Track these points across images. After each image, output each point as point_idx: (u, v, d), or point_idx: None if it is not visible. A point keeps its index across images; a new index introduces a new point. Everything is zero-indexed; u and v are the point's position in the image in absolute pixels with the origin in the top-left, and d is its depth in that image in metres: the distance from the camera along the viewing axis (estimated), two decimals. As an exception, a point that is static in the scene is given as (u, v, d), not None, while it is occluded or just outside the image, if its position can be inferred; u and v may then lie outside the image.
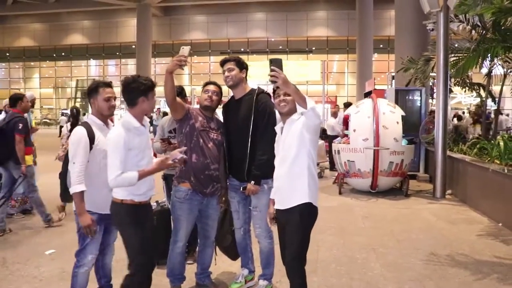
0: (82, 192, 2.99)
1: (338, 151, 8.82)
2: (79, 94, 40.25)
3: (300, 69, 21.16)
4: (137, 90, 2.91)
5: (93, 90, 3.19)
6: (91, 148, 3.05)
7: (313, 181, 3.00)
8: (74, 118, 6.49)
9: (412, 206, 7.65)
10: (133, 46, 31.79)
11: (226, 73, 3.62)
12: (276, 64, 2.78)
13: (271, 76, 2.72)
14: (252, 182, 3.53)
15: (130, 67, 37.78)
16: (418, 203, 7.92)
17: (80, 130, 3.08)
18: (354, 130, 8.53)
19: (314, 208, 3.00)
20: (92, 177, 3.06)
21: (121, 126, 2.88)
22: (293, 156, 2.96)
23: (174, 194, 3.62)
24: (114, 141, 2.82)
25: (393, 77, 17.53)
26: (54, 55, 39.37)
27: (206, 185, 3.58)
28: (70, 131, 6.45)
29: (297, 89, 2.80)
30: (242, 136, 3.57)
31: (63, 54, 39.11)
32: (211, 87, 3.68)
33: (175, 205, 3.61)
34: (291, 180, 2.98)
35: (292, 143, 2.97)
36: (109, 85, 3.25)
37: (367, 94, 12.04)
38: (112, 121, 3.40)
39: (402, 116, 8.64)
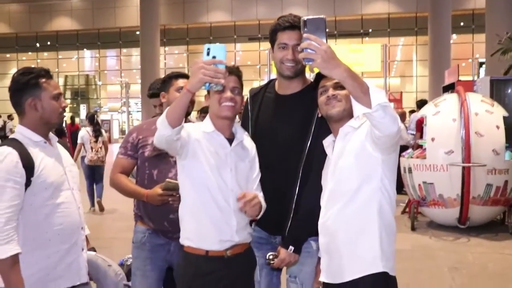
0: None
1: (410, 169, 8.34)
2: (68, 95, 40.67)
3: (353, 57, 20.28)
4: None
5: (28, 84, 2.58)
6: (27, 183, 2.49)
7: (388, 234, 2.38)
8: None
9: (525, 252, 6.97)
10: (137, 32, 31.78)
11: (291, 55, 2.74)
12: (314, 26, 2.02)
13: (304, 48, 1.98)
14: (291, 248, 2.71)
15: (134, 58, 37.90)
16: (533, 246, 7.26)
17: (9, 155, 2.47)
18: (433, 139, 8.10)
19: (391, 280, 2.38)
20: (34, 231, 2.52)
21: None
22: (352, 191, 2.36)
23: (132, 239, 3.41)
24: None
25: (480, 64, 16.69)
26: (37, 44, 39.84)
27: (174, 231, 3.08)
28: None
29: (353, 72, 2.05)
30: (287, 161, 2.80)
31: (47, 43, 39.56)
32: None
33: (132, 253, 3.38)
34: (349, 234, 2.38)
35: (350, 169, 2.36)
36: (50, 75, 2.67)
37: (448, 88, 11.56)
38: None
39: (505, 117, 8.07)
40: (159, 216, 3.18)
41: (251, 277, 2.79)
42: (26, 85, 2.57)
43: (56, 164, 2.62)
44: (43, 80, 2.59)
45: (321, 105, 2.53)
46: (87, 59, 41.31)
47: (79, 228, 2.68)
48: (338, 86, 2.42)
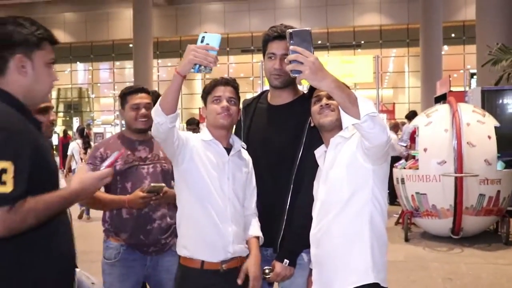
0: None
1: (402, 180, 8.31)
2: (61, 108, 40.49)
3: (345, 68, 20.32)
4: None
5: None
6: None
7: (380, 244, 2.35)
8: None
9: (519, 262, 6.91)
10: (130, 45, 31.79)
11: (278, 64, 2.76)
12: (300, 38, 2.00)
13: (291, 61, 1.96)
14: (286, 261, 2.69)
15: (127, 71, 37.83)
16: (526, 256, 7.19)
17: None
18: (425, 150, 8.06)
19: None
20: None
21: None
22: (343, 202, 2.33)
23: (103, 254, 3.29)
24: None
25: (472, 75, 16.75)
26: (30, 57, 39.69)
27: (150, 244, 3.20)
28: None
29: (341, 83, 2.04)
30: (278, 172, 2.80)
31: (40, 56, 39.42)
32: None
33: (104, 269, 3.25)
34: (340, 245, 2.36)
35: (341, 180, 2.35)
36: None
37: (440, 99, 11.62)
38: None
39: (496, 128, 8.04)
40: (135, 228, 3.13)
41: None
42: None
43: None
44: None
45: (314, 114, 2.52)
46: (80, 72, 41.12)
47: None
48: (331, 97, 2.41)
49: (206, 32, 2.29)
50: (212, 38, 2.24)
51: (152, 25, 30.47)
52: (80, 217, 10.21)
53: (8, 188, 1.71)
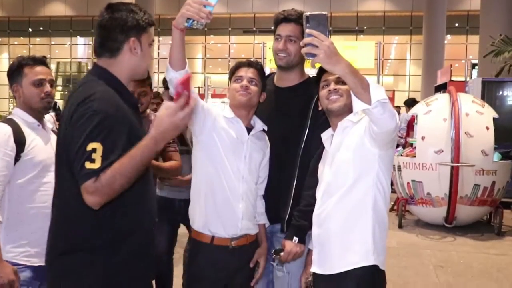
0: None
1: (399, 167, 8.33)
2: (60, 81, 40.34)
3: (347, 53, 20.29)
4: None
5: (15, 71, 2.82)
6: (17, 158, 2.61)
7: (381, 228, 2.41)
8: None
9: (510, 252, 6.91)
10: (131, 21, 31.62)
11: (281, 45, 2.87)
12: (316, 22, 2.02)
13: (306, 44, 1.98)
14: (295, 239, 2.73)
15: (127, 47, 37.66)
16: (517, 247, 7.24)
17: (3, 129, 2.64)
18: (423, 138, 8.06)
19: (381, 274, 2.43)
20: (18, 205, 2.61)
21: None
22: (348, 185, 2.38)
23: None
24: None
25: (473, 66, 16.77)
26: (29, 29, 39.40)
27: None
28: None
29: (354, 68, 2.07)
30: (285, 153, 2.90)
31: (40, 28, 39.09)
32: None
33: None
34: (343, 227, 2.40)
35: (347, 163, 2.39)
36: (41, 61, 2.83)
37: (440, 88, 11.58)
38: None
39: (494, 119, 8.05)
40: None
41: (253, 270, 2.84)
42: (11, 72, 2.82)
43: (47, 146, 2.73)
44: (27, 68, 2.78)
45: (322, 99, 2.56)
46: (80, 46, 40.94)
47: None
48: (340, 81, 2.44)
49: None
50: None
51: (154, 1, 30.26)
52: None
53: (96, 165, 1.92)
